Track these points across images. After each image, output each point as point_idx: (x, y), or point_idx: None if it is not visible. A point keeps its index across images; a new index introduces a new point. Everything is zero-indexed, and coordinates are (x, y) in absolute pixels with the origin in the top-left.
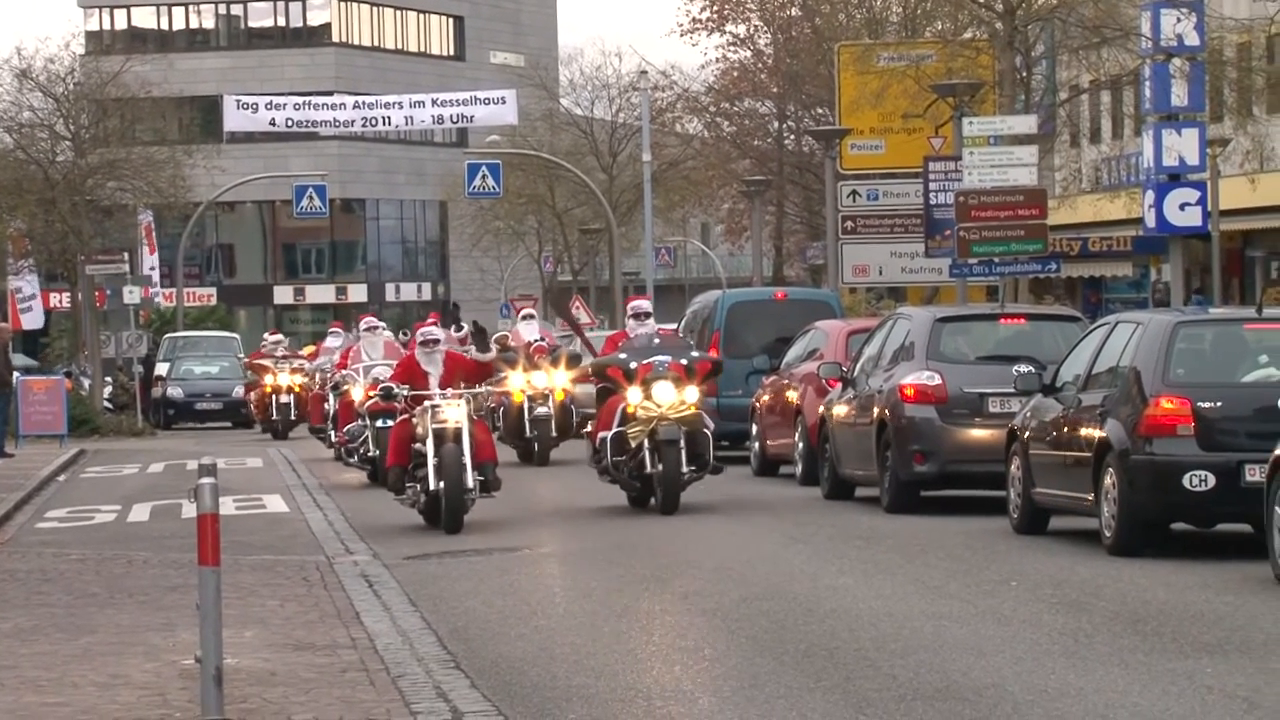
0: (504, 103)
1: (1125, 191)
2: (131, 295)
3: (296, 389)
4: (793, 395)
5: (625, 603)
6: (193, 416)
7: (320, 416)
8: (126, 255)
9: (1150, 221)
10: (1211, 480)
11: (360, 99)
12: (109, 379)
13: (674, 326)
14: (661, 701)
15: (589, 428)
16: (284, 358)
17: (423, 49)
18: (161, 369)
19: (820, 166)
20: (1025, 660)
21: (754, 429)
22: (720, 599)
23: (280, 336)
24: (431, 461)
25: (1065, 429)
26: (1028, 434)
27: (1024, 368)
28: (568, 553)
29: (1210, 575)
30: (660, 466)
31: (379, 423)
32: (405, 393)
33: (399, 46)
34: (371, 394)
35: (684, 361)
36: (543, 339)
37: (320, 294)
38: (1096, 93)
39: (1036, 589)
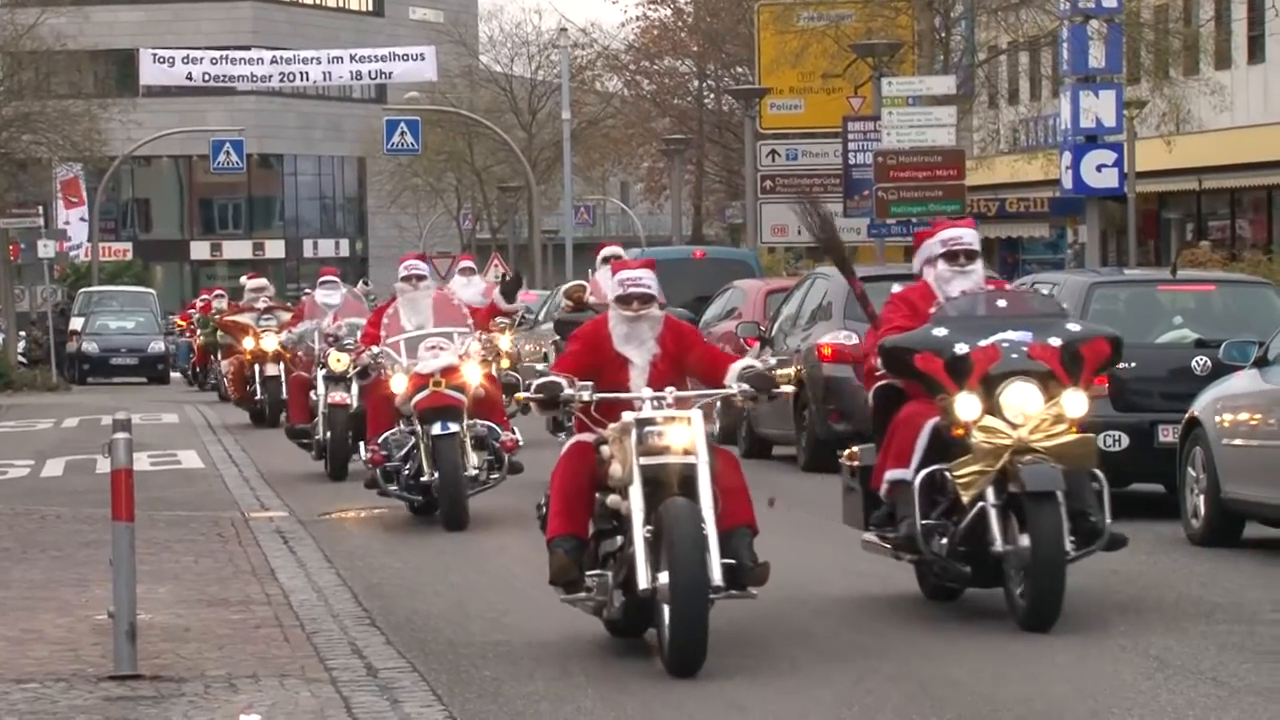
0: (423, 59)
1: (1043, 153)
2: (46, 249)
3: (288, 356)
4: None
5: (541, 562)
6: (108, 371)
7: (303, 411)
8: (41, 209)
9: (1067, 183)
10: (1125, 440)
11: (278, 54)
12: (23, 333)
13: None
14: (577, 659)
15: (850, 456)
16: (269, 311)
17: (341, 4)
18: (76, 324)
19: (740, 126)
20: (940, 618)
21: None
22: None
23: (263, 282)
24: (641, 533)
25: None
26: None
27: None
28: (486, 512)
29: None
30: (1025, 540)
31: (438, 428)
32: (587, 396)
33: (317, 1)
34: (438, 383)
35: (1055, 342)
36: None
37: (237, 249)
38: (1015, 54)
39: None
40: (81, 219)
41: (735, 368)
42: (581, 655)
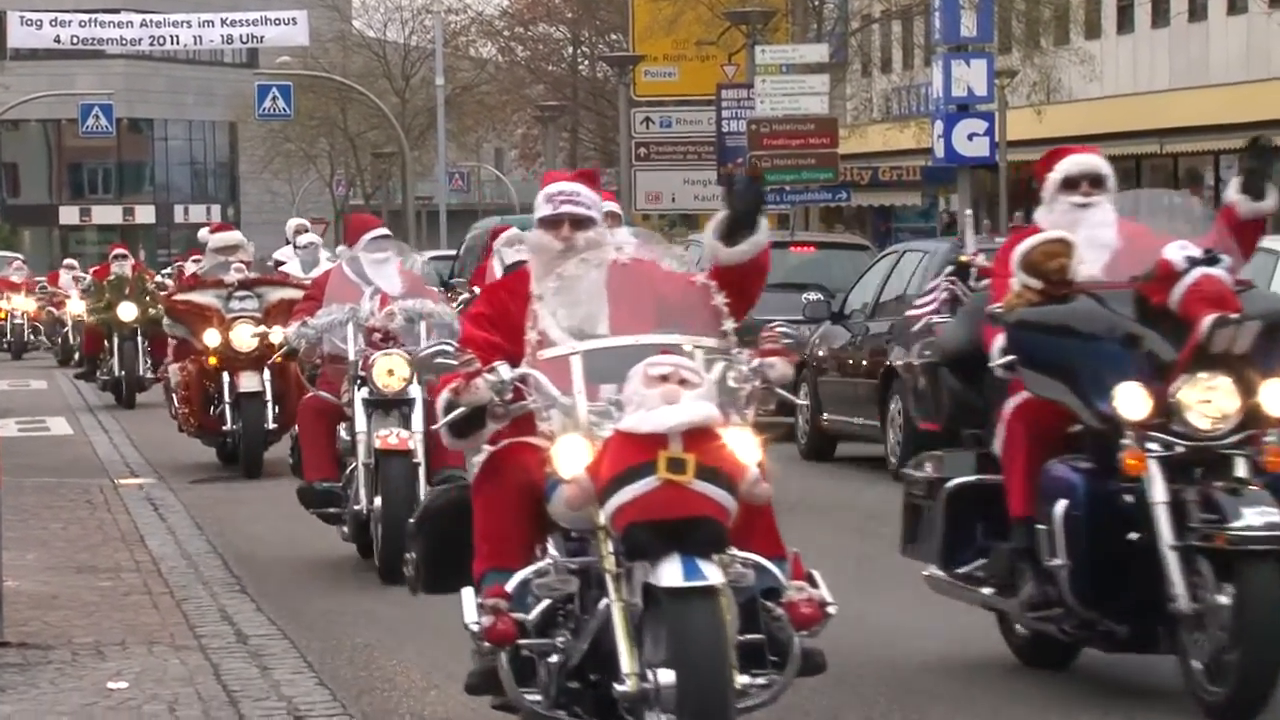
0: (295, 23)
1: (915, 121)
2: None
3: (278, 358)
4: None
5: None
6: None
7: (325, 458)
8: None
9: (939, 152)
10: None
11: (148, 17)
12: None
13: None
14: (450, 627)
15: None
16: (250, 286)
17: None
18: None
19: (614, 93)
20: None
21: None
22: None
23: (237, 237)
24: None
25: (853, 356)
26: (816, 361)
27: (813, 295)
28: None
29: None
30: None
31: (675, 572)
32: None
33: None
34: (679, 465)
35: None
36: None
37: (107, 215)
38: (888, 22)
39: (825, 514)
40: None
41: None
42: (454, 623)
